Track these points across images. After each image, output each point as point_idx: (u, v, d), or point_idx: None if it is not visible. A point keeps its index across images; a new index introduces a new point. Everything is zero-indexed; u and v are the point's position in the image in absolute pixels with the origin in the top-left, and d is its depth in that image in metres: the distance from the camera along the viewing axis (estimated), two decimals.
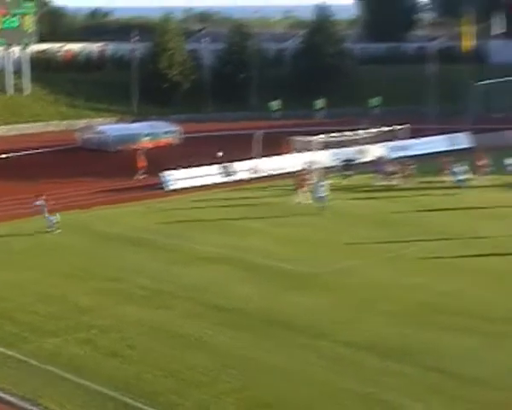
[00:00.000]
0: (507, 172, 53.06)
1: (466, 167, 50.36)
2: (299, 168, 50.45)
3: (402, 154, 58.04)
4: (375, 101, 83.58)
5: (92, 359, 24.90)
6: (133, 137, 65.93)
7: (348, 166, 54.19)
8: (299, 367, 24.22)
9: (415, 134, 62.35)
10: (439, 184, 50.65)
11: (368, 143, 59.22)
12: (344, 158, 55.64)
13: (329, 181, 44.84)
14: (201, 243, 38.02)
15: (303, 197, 46.65)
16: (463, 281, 32.16)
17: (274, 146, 56.70)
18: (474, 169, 51.69)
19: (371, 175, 52.83)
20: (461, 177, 49.83)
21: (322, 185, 44.54)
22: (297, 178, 48.01)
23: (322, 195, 44.14)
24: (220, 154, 55.45)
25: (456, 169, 50.20)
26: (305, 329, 27.24)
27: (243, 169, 54.80)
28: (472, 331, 26.78)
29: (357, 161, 55.60)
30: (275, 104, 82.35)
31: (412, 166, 51.94)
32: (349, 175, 53.02)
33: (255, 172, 54.71)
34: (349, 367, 24.17)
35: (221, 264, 34.90)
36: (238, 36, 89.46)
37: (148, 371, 23.95)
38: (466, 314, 28.37)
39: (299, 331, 27.01)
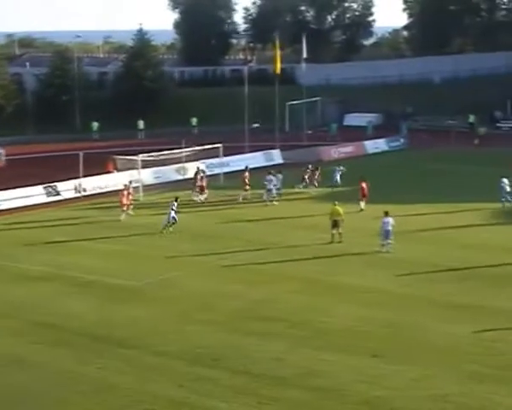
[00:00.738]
0: (333, 182, 54.69)
1: (278, 181, 51.28)
2: (121, 187, 49.73)
3: (220, 171, 58.65)
4: (193, 121, 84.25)
5: None
6: None
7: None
8: (114, 378, 24.06)
9: (232, 151, 63.18)
10: (255, 198, 51.46)
11: (187, 161, 59.43)
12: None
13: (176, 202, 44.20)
14: (26, 262, 36.95)
15: (127, 215, 46.31)
16: (277, 288, 32.77)
17: (98, 166, 56.07)
18: (309, 181, 53.17)
19: (191, 191, 52.98)
20: (274, 189, 50.56)
21: (174, 205, 43.48)
22: (120, 196, 47.45)
23: (173, 215, 43.11)
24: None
25: (268, 183, 50.91)
26: (123, 340, 27.04)
27: (68, 188, 53.80)
28: (279, 336, 27.33)
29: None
30: (95, 125, 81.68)
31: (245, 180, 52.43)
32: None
33: (80, 191, 53.83)
34: (160, 375, 24.21)
35: (46, 281, 34.04)
36: (60, 60, 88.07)
37: None
38: (276, 320, 28.91)
39: (115, 343, 26.80)
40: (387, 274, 34.70)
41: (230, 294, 32.03)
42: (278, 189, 51.36)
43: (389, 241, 38.29)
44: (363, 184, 47.72)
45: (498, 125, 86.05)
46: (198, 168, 55.13)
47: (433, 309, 30.06)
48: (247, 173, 52.55)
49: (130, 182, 50.01)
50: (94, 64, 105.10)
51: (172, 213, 43.10)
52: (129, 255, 38.44)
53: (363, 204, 47.27)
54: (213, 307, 30.52)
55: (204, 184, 52.50)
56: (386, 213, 38.78)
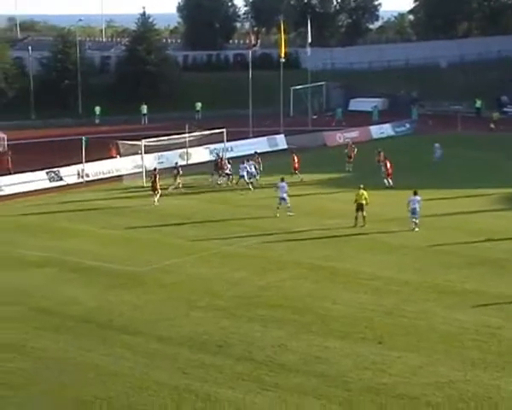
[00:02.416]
0: (437, 158, 57.92)
1: (252, 165, 50.95)
2: (153, 169, 49.11)
3: (225, 155, 58.60)
4: (197, 106, 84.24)
5: None
6: None
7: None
8: (117, 364, 24.14)
9: (236, 137, 63.18)
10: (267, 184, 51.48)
11: (192, 147, 59.45)
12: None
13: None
14: (28, 248, 37.04)
15: (157, 199, 46.15)
16: (282, 274, 32.87)
17: (101, 151, 56.18)
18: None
19: (197, 177, 53.04)
20: (246, 176, 50.01)
21: (284, 187, 42.93)
22: (152, 180, 47.01)
23: (283, 196, 42.79)
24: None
25: (241, 170, 50.43)
26: (124, 327, 27.11)
27: (71, 174, 53.88)
28: (282, 322, 27.38)
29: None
30: (97, 110, 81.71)
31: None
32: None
33: (83, 176, 53.91)
34: (163, 362, 24.26)
35: (48, 267, 34.14)
36: (62, 44, 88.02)
37: None
38: (279, 306, 28.96)
39: (118, 330, 26.86)
40: (392, 260, 34.78)
41: (234, 280, 32.12)
42: (254, 175, 50.87)
43: (414, 219, 39.54)
44: (388, 163, 49.94)
45: (505, 109, 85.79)
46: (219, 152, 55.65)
47: (438, 295, 30.13)
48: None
49: (155, 169, 49.33)
50: (96, 48, 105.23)
51: (283, 194, 42.76)
52: (132, 241, 38.54)
53: (388, 182, 49.48)
54: (218, 293, 30.60)
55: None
56: (415, 193, 39.98)
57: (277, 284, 31.56)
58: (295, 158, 52.67)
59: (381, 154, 53.46)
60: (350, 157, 56.20)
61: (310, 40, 78.83)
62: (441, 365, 23.96)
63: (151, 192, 46.81)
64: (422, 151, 63.54)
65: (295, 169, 52.02)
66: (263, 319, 27.64)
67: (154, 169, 48.42)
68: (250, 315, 28.11)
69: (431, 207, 44.24)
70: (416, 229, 39.37)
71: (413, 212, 39.66)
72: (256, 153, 54.44)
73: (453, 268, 33.55)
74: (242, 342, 25.71)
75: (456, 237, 38.45)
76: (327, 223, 40.99)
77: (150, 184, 47.23)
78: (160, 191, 46.59)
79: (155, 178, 46.88)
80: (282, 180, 43.65)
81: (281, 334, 26.36)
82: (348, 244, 37.54)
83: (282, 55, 72.56)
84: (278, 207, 42.78)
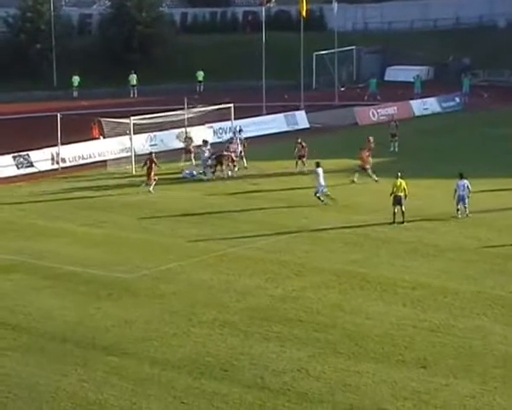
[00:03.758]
0: None
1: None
2: (148, 153, 49.28)
3: (232, 137, 58.71)
4: (199, 75, 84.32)
5: None
6: None
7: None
8: (99, 392, 24.14)
9: (246, 114, 63.18)
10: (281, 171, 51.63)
11: (192, 126, 59.45)
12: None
13: None
14: None
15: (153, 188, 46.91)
16: (302, 282, 32.94)
17: (80, 130, 56.30)
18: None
19: (196, 163, 53.23)
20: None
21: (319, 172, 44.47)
22: (148, 166, 47.54)
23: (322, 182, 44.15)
24: None
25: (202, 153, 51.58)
26: (109, 347, 27.18)
27: (44, 158, 54.05)
28: (303, 341, 27.43)
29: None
30: (76, 80, 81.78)
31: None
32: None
33: (58, 161, 54.08)
34: (156, 389, 24.28)
35: (15, 273, 34.33)
36: None
37: None
38: (300, 321, 28.95)
39: (102, 350, 26.93)
40: (438, 265, 34.79)
41: (244, 289, 32.20)
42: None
43: (463, 207, 40.63)
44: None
45: None
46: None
47: (495, 309, 30.12)
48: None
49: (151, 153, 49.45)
50: (74, 4, 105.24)
51: (321, 181, 43.95)
52: (119, 242, 38.72)
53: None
54: (224, 305, 30.68)
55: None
56: (461, 176, 40.73)
57: (296, 295, 31.66)
58: (302, 144, 52.22)
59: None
60: (393, 135, 56.63)
61: None
62: (498, 394, 23.94)
63: (147, 180, 47.17)
64: (476, 132, 63.50)
65: (301, 157, 51.64)
66: (279, 338, 27.72)
67: (150, 153, 48.57)
68: (263, 332, 28.20)
69: (485, 202, 44.13)
70: (470, 214, 40.58)
71: (461, 199, 40.62)
72: (241, 130, 54.66)
73: None
74: (254, 365, 25.78)
75: None
76: (358, 219, 41.02)
77: (145, 171, 47.42)
78: (154, 180, 46.92)
79: (151, 164, 47.09)
80: (318, 166, 44.38)
81: (301, 356, 26.43)
82: (384, 246, 37.58)
83: (303, 12, 72.48)
84: (319, 197, 43.80)
